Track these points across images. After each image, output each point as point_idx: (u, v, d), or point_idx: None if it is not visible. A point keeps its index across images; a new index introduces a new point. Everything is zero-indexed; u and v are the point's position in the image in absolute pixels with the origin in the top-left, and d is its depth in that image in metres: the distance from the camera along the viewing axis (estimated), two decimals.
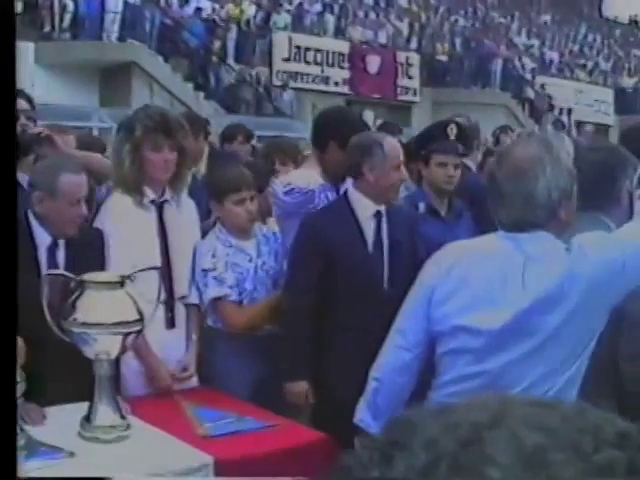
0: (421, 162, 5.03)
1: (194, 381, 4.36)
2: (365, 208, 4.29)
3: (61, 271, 3.79)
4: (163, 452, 3.44)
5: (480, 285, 2.86)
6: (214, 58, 23.72)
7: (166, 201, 4.32)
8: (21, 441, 3.36)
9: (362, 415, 3.12)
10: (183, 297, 4.37)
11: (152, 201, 4.28)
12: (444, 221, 4.89)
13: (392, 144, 4.36)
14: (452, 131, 4.92)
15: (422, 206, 4.94)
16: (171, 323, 4.34)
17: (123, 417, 3.60)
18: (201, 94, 22.39)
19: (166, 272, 4.22)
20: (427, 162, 4.98)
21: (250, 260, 4.42)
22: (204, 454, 3.42)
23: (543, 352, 2.78)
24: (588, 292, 2.75)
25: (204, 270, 4.35)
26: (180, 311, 4.38)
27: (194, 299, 4.38)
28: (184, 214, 4.40)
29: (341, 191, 4.58)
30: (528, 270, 2.80)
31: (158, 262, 4.14)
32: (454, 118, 5.52)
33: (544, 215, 2.82)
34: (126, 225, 4.19)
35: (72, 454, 3.35)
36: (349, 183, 4.42)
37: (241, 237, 4.45)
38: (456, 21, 34.30)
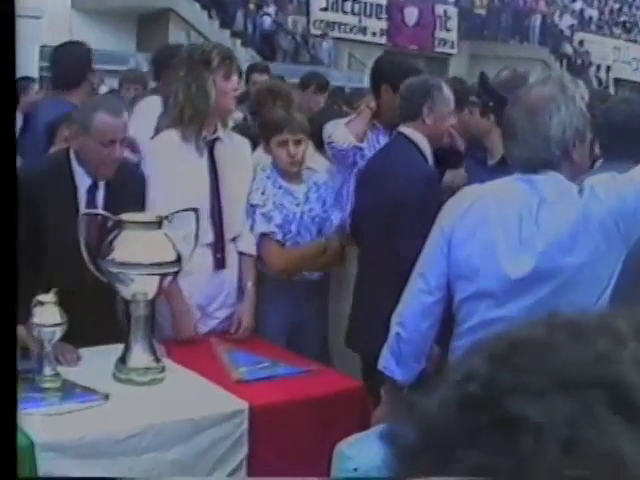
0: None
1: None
2: (426, 148, 4.30)
3: (99, 210, 3.78)
4: (198, 396, 3.43)
5: (498, 226, 2.85)
6: (251, 6, 23.61)
7: (218, 138, 4.24)
8: (57, 383, 3.37)
9: (386, 362, 3.09)
10: (235, 238, 4.33)
11: (204, 138, 4.20)
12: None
13: (448, 89, 4.38)
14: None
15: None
16: (221, 264, 4.28)
17: (158, 360, 3.59)
18: (238, 41, 22.30)
19: (216, 213, 4.19)
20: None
21: (297, 204, 4.39)
22: (239, 399, 3.40)
23: (564, 294, 2.75)
24: (602, 233, 2.75)
25: (252, 205, 4.32)
26: (232, 254, 4.32)
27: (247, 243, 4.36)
28: (236, 152, 4.33)
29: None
30: (542, 211, 2.80)
31: (205, 202, 4.10)
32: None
33: (558, 154, 2.82)
34: (173, 165, 4.12)
35: (106, 396, 3.34)
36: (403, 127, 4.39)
37: (291, 180, 4.41)
38: None
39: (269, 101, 5.12)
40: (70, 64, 5.34)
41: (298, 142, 4.35)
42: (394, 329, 3.07)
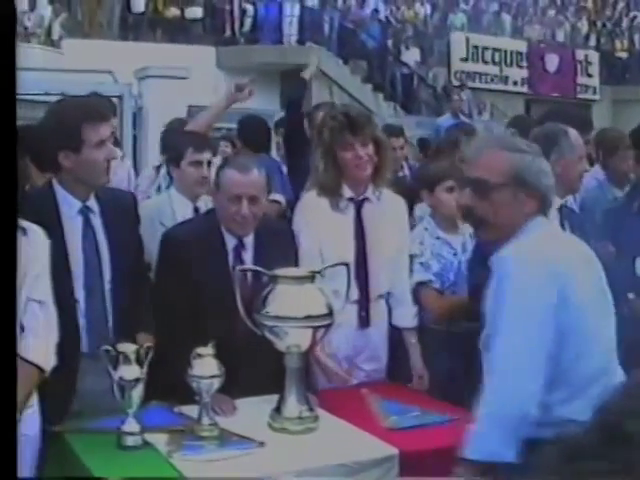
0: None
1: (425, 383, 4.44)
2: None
3: (254, 267, 3.90)
4: (350, 443, 3.51)
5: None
6: (391, 59, 23.78)
7: (366, 199, 4.36)
8: (214, 432, 3.51)
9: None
10: (382, 295, 4.43)
11: (351, 199, 4.33)
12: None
13: (575, 134, 4.34)
14: None
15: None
16: (365, 323, 4.39)
17: (311, 409, 3.70)
18: (380, 95, 22.47)
19: (362, 271, 4.29)
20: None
21: (455, 254, 4.49)
22: (390, 446, 3.47)
23: None
24: None
25: (411, 255, 4.43)
26: (380, 311, 4.43)
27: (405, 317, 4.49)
28: (387, 210, 4.42)
29: None
30: None
31: (352, 261, 4.16)
32: None
33: None
34: (320, 225, 4.26)
35: (262, 444, 3.46)
36: None
37: (448, 230, 4.53)
38: (635, 17, 33.41)
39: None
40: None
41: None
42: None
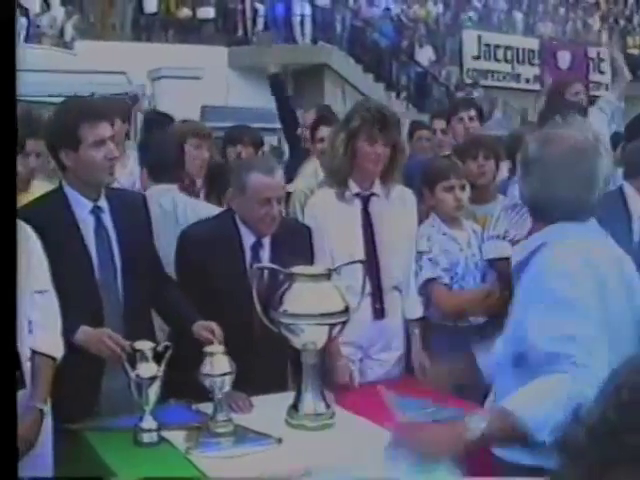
0: None
1: None
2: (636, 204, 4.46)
3: (271, 265, 3.94)
4: (366, 440, 3.51)
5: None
6: (404, 57, 23.80)
7: (374, 194, 4.42)
8: (229, 427, 3.53)
9: None
10: (396, 287, 4.48)
11: (357, 194, 4.39)
12: None
13: None
14: None
15: None
16: (380, 314, 4.44)
17: (328, 406, 3.73)
18: (392, 94, 22.48)
19: (373, 264, 4.32)
20: None
21: (461, 250, 4.53)
22: None
23: None
24: None
25: (419, 252, 4.48)
26: (394, 302, 4.48)
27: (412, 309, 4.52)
28: (395, 204, 4.48)
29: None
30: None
31: (360, 255, 4.21)
32: None
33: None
34: (330, 219, 4.33)
35: (279, 440, 3.49)
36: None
37: (453, 226, 4.57)
38: None
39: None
40: None
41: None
42: None
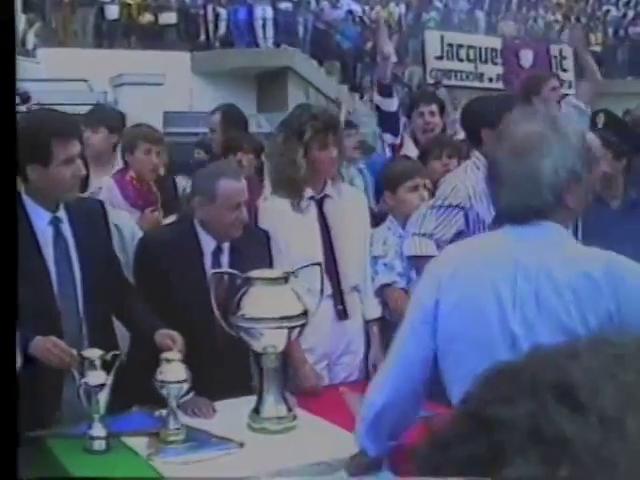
0: None
1: None
2: None
3: (229, 270, 3.94)
4: (329, 442, 3.52)
5: (487, 296, 2.53)
6: (367, 59, 23.86)
7: (327, 195, 4.43)
8: (181, 436, 3.54)
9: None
10: (355, 287, 4.48)
11: (311, 197, 4.39)
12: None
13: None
14: (600, 120, 4.86)
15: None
16: (343, 315, 4.44)
17: (290, 409, 3.73)
18: (356, 95, 22.53)
19: (332, 265, 4.33)
20: None
21: None
22: None
23: None
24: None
25: (374, 257, 4.48)
26: (355, 303, 4.48)
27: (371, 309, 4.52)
28: (348, 204, 4.48)
29: None
30: (541, 277, 2.46)
31: (319, 257, 4.21)
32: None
33: (551, 200, 2.48)
34: (285, 226, 4.32)
35: (241, 444, 3.50)
36: None
37: None
38: (608, 11, 33.57)
39: None
40: None
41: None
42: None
